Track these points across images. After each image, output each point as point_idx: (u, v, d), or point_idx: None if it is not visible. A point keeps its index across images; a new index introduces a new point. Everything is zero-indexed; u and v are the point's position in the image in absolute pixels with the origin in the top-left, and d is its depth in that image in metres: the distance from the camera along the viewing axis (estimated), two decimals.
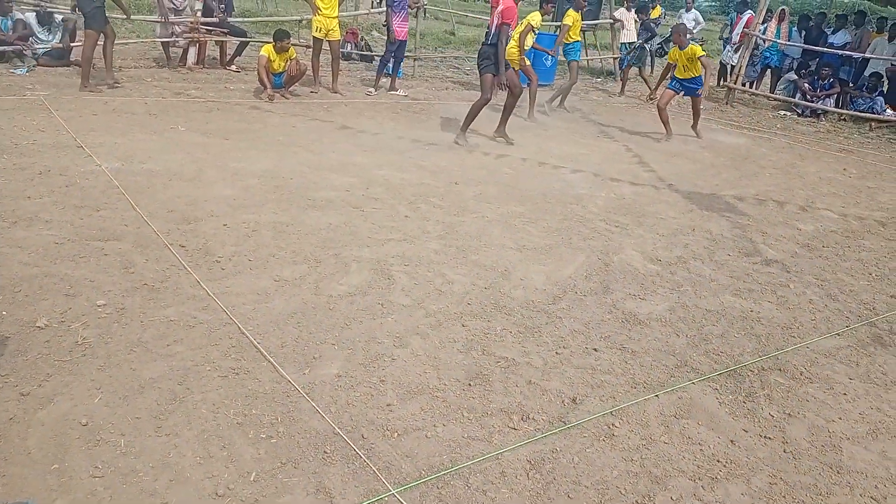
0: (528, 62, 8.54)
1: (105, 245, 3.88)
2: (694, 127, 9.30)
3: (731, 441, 2.76)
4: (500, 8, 6.96)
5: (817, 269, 4.75)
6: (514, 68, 7.84)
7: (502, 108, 7.88)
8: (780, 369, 3.36)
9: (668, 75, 9.42)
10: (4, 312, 3.08)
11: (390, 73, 10.27)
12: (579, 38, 10.18)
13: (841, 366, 3.45)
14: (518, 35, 7.91)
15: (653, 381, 3.13)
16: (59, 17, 9.05)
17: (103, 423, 2.45)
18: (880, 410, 3.08)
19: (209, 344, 3.04)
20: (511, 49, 7.85)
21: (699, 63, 8.54)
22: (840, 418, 2.99)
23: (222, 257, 3.92)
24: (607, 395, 2.97)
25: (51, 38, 8.89)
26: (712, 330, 3.70)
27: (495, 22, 7.00)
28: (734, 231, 5.41)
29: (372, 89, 9.96)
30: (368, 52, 12.66)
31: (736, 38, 12.89)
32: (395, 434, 2.58)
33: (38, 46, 8.74)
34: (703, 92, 8.86)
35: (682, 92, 8.96)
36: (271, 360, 2.95)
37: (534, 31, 8.09)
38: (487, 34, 7.25)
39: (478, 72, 7.48)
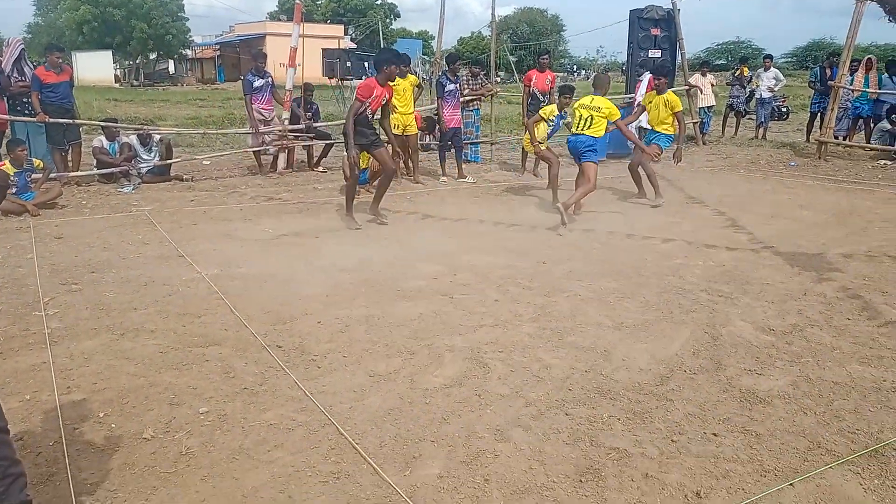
0: (543, 148, 8.26)
1: (206, 351, 3.96)
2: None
3: None
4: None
5: None
6: (395, 146, 7.60)
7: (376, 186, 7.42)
8: None
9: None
10: (114, 425, 3.15)
11: (468, 158, 10.51)
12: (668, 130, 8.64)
13: None
14: (532, 123, 8.19)
15: (784, 467, 2.83)
16: (157, 137, 9.78)
17: None
18: None
19: (309, 447, 2.99)
20: (525, 139, 8.48)
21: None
22: None
23: (318, 355, 3.93)
24: (735, 487, 2.70)
25: (152, 156, 9.58)
26: (843, 405, 3.35)
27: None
28: (850, 292, 5.02)
29: (443, 177, 10.19)
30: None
31: (641, 98, 11.36)
32: None
33: (141, 166, 9.43)
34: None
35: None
36: (371, 462, 2.86)
37: (545, 121, 8.20)
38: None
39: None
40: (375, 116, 7.10)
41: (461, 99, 10.23)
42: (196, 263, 5.63)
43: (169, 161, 9.85)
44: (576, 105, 7.60)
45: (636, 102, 11.29)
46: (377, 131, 7.18)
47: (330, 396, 3.44)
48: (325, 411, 3.28)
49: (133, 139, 9.57)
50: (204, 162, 11.18)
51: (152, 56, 51.70)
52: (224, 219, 7.44)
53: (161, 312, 4.56)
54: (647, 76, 11.92)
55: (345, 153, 7.09)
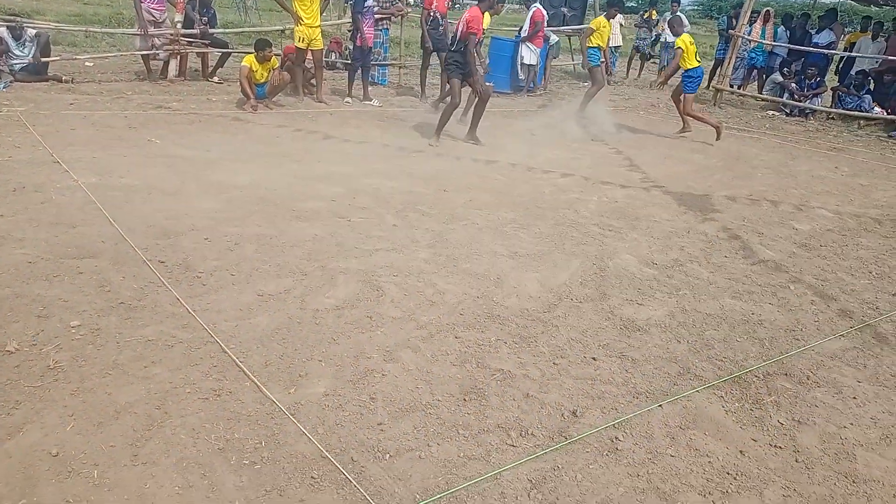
0: None
1: (80, 263, 3.71)
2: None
3: (741, 452, 2.63)
4: (465, 16, 7.26)
5: (817, 269, 4.65)
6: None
7: (472, 112, 7.90)
8: (785, 374, 3.24)
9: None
10: None
11: (375, 81, 10.18)
12: (600, 44, 9.85)
13: (848, 368, 3.34)
14: None
15: (655, 390, 3.00)
16: (31, 32, 8.86)
17: (75, 453, 2.29)
18: (892, 414, 2.97)
19: (189, 364, 2.88)
20: None
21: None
22: (852, 424, 2.87)
23: (203, 272, 3.77)
24: (609, 407, 2.84)
25: (26, 52, 8.70)
26: (714, 335, 3.58)
27: (460, 29, 7.27)
28: (730, 232, 5.31)
29: (349, 98, 9.86)
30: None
31: (525, 33, 11.94)
32: (387, 455, 2.43)
33: (14, 62, 8.55)
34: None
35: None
36: (254, 379, 2.81)
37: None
38: (452, 41, 7.53)
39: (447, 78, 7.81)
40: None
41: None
42: (72, 171, 5.22)
43: (46, 59, 8.98)
44: (688, 41, 8.76)
45: (523, 35, 11.90)
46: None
47: (214, 314, 3.33)
48: (208, 328, 3.17)
49: (4, 31, 8.62)
50: (87, 63, 10.28)
51: None
52: (106, 125, 6.91)
53: (31, 220, 4.22)
54: (534, 7, 11.90)
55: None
